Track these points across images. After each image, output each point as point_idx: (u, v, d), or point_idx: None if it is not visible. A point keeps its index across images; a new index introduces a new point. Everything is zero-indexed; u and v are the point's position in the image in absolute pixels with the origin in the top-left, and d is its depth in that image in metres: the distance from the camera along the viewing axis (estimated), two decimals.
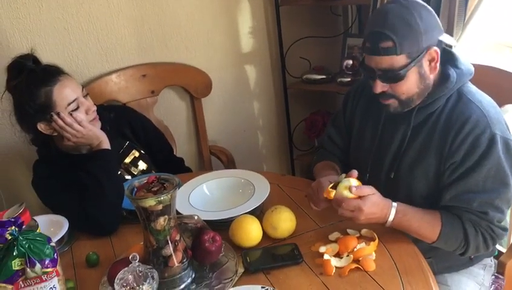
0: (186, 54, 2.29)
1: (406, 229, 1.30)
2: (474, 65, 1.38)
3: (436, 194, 1.34)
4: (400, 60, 1.26)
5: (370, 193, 1.24)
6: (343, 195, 1.23)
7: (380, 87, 1.32)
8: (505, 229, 1.32)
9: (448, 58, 1.35)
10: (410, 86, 1.30)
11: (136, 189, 1.17)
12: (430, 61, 1.30)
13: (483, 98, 1.33)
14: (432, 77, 1.32)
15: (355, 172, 1.28)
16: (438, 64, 1.30)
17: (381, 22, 1.26)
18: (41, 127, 1.53)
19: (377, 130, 1.46)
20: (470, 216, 1.28)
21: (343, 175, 1.28)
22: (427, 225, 1.29)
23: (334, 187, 1.26)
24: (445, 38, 1.31)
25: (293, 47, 2.50)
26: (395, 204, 1.27)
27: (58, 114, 1.51)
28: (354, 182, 1.25)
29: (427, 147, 1.34)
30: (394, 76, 1.28)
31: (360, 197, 1.23)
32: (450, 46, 1.36)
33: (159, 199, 1.11)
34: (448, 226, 1.28)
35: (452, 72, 1.32)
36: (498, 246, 1.62)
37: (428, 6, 1.29)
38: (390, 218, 1.26)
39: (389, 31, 1.23)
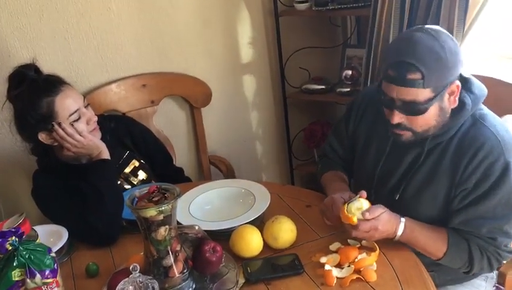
0: (186, 64, 2.29)
1: (412, 244, 1.30)
2: (472, 76, 1.38)
3: (443, 217, 1.33)
4: (424, 93, 1.21)
5: (382, 211, 1.24)
6: (356, 216, 1.23)
7: (398, 118, 1.27)
8: (511, 252, 1.31)
9: (463, 83, 1.30)
10: (428, 119, 1.26)
11: (136, 199, 1.16)
12: (450, 94, 1.26)
13: (496, 122, 1.30)
14: (449, 110, 1.29)
15: (364, 193, 1.27)
16: (457, 98, 1.27)
17: (410, 51, 1.20)
18: (42, 137, 1.53)
19: (384, 148, 1.43)
20: (478, 241, 1.28)
21: (357, 196, 1.27)
22: (433, 242, 1.29)
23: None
24: (463, 70, 1.28)
25: (293, 57, 2.51)
26: (403, 219, 1.27)
27: (59, 124, 1.51)
28: (365, 203, 1.25)
29: (437, 171, 1.32)
30: (416, 109, 1.24)
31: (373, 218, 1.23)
32: None
33: (160, 209, 1.10)
34: (454, 247, 1.28)
35: (468, 100, 1.28)
36: None
37: (453, 38, 1.25)
38: (399, 233, 1.26)
39: (419, 63, 1.18)
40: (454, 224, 1.30)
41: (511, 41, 1.89)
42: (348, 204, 1.25)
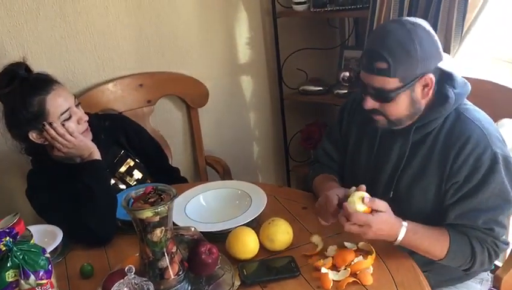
0: (183, 64, 2.28)
1: (415, 247, 1.28)
2: (470, 79, 1.38)
3: (436, 213, 1.33)
4: (392, 82, 1.26)
5: (383, 209, 1.22)
6: (355, 207, 1.20)
7: (370, 104, 1.32)
8: (507, 244, 1.32)
9: (446, 78, 1.34)
10: (399, 108, 1.31)
11: (132, 200, 1.15)
12: (424, 86, 1.29)
13: (480, 116, 1.33)
14: (423, 102, 1.32)
15: (363, 186, 1.26)
16: (431, 91, 1.30)
17: (380, 41, 1.26)
18: (32, 136, 1.52)
19: (373, 146, 1.45)
20: (476, 233, 1.28)
21: (354, 188, 1.27)
22: (436, 243, 1.28)
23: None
24: (444, 65, 1.30)
25: (290, 58, 2.50)
26: (405, 224, 1.24)
27: (50, 124, 1.50)
28: (366, 194, 1.23)
29: (427, 166, 1.33)
30: (384, 96, 1.29)
31: (371, 212, 1.21)
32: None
33: (156, 210, 1.09)
34: (456, 244, 1.27)
35: (451, 94, 1.31)
36: None
37: (431, 32, 1.28)
38: (400, 238, 1.24)
39: (386, 53, 1.23)
40: (451, 219, 1.30)
41: (509, 44, 1.89)
42: (350, 195, 1.23)
